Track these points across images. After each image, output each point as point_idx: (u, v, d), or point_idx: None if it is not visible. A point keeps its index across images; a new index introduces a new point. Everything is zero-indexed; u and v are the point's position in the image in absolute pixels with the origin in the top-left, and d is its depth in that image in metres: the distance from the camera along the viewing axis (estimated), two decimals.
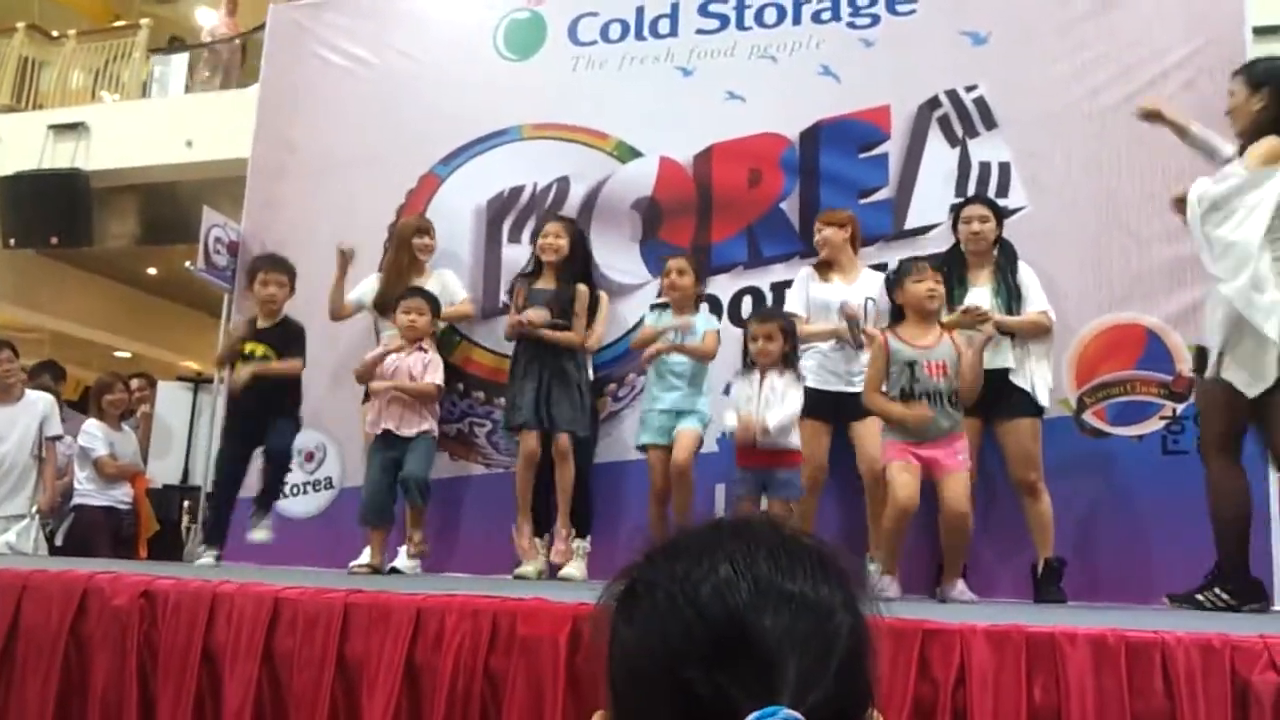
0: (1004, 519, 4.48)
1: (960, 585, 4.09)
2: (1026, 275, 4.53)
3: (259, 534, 5.02)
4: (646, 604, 0.76)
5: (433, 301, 5.04)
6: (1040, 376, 4.42)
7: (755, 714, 0.67)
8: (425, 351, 4.97)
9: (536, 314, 4.86)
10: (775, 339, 4.34)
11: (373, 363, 4.95)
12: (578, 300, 4.95)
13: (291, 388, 5.04)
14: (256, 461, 5.05)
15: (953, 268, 4.54)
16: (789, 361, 4.39)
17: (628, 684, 0.76)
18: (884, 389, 4.07)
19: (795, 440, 4.34)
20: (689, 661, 0.71)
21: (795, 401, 4.31)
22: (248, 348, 4.99)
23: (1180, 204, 3.78)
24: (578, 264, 5.08)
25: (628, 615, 0.77)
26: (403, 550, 4.96)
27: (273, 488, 5.09)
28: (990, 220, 4.56)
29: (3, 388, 5.87)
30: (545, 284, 5.02)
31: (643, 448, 4.78)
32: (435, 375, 4.95)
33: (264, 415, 4.96)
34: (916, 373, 4.01)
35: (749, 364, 4.44)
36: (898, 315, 4.18)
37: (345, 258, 5.43)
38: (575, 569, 4.74)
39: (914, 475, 3.95)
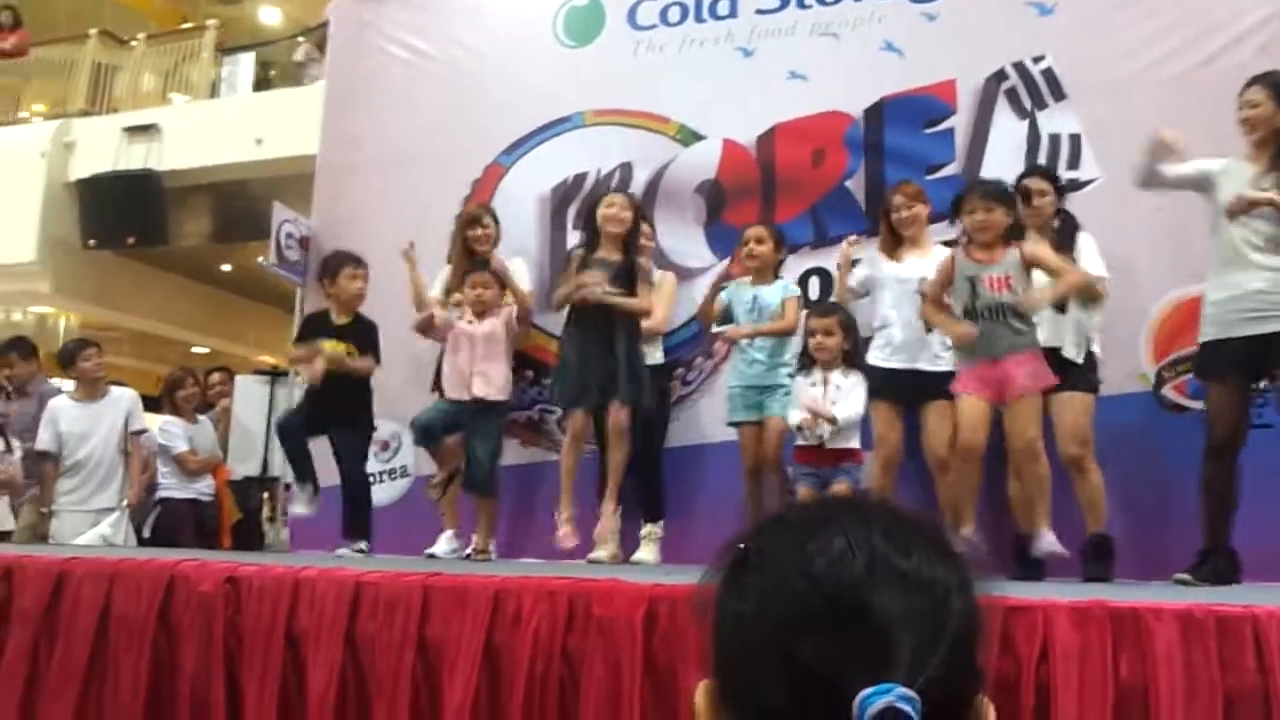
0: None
1: (1048, 536, 3.92)
2: (1085, 244, 4.39)
3: (298, 508, 5.12)
4: (758, 575, 0.76)
5: (498, 276, 5.01)
6: (1081, 345, 4.27)
7: (869, 690, 0.67)
8: (494, 316, 4.92)
9: (592, 276, 4.66)
10: (834, 333, 4.34)
11: (426, 320, 5.00)
12: (640, 272, 4.78)
13: (365, 390, 5.12)
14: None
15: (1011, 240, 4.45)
16: (849, 359, 4.36)
17: (736, 655, 0.76)
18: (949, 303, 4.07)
19: (856, 441, 4.34)
20: (801, 634, 0.71)
21: (860, 400, 4.29)
22: (328, 345, 5.05)
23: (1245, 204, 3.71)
24: (635, 245, 4.89)
25: (739, 585, 0.77)
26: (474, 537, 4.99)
27: (360, 513, 5.10)
28: (1049, 194, 4.45)
29: (89, 384, 6.02)
30: (606, 254, 4.79)
31: (733, 424, 4.75)
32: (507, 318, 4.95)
33: (337, 411, 5.03)
34: (977, 288, 3.98)
35: (808, 360, 4.41)
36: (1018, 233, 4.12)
37: (409, 256, 5.40)
38: (648, 553, 4.75)
39: (979, 410, 3.92)
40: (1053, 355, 4.19)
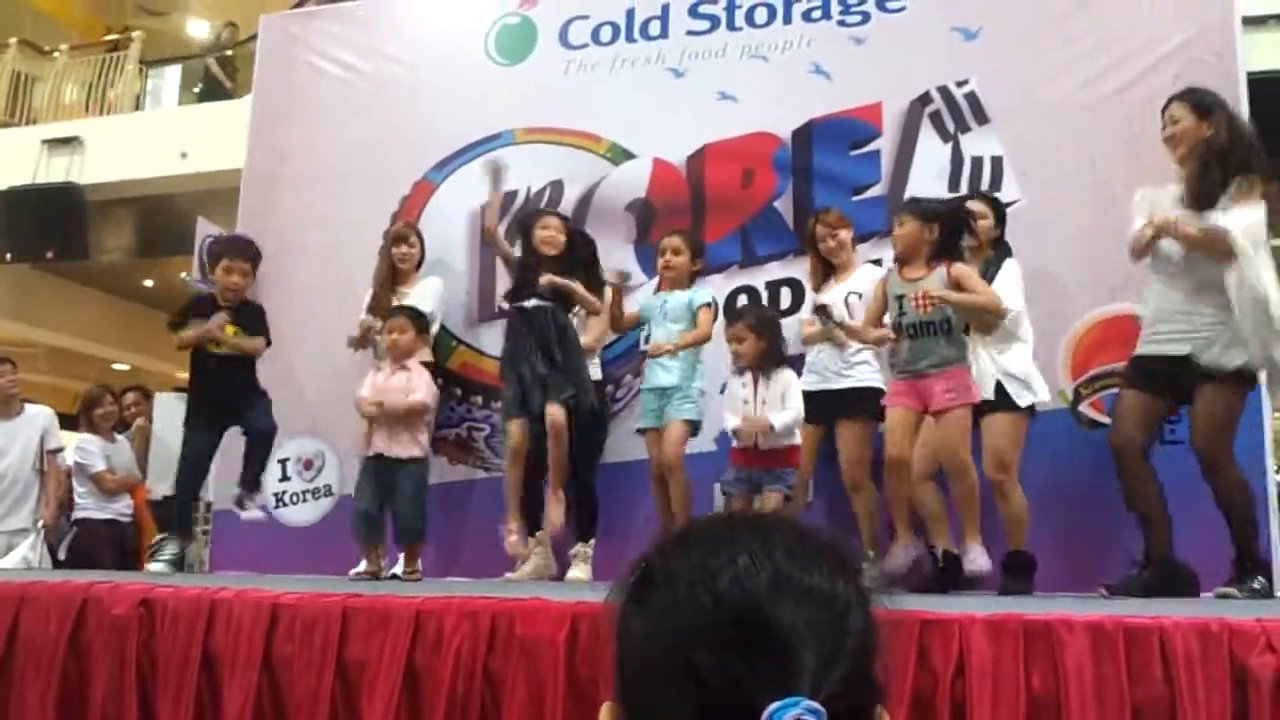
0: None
1: (974, 551, 3.96)
2: (1006, 270, 4.42)
3: (251, 513, 5.03)
4: (663, 592, 0.76)
5: (417, 318, 4.89)
6: (1017, 372, 4.28)
7: (777, 704, 0.67)
8: (409, 370, 4.77)
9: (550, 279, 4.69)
10: (745, 339, 4.38)
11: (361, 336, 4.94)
12: (577, 279, 4.77)
13: (253, 379, 5.09)
14: (232, 450, 5.08)
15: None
16: (771, 355, 4.38)
17: (640, 674, 0.76)
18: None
19: (796, 438, 4.37)
20: (706, 650, 0.71)
21: (798, 401, 4.33)
22: (220, 317, 4.98)
23: (1154, 233, 3.81)
24: (577, 262, 4.90)
25: (642, 604, 0.77)
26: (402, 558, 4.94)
27: (259, 463, 5.09)
28: (988, 218, 4.50)
29: (3, 402, 5.86)
30: (543, 275, 4.76)
31: (640, 431, 4.80)
32: (422, 393, 4.73)
33: (235, 398, 4.99)
34: (904, 305, 4.07)
35: (739, 366, 4.46)
36: (955, 252, 4.20)
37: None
38: (580, 571, 4.73)
39: (903, 421, 3.98)
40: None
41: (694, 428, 4.66)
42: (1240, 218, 3.70)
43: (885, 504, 4.30)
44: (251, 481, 5.08)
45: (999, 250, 4.52)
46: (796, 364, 4.64)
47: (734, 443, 4.41)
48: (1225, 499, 3.68)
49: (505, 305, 5.06)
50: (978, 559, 3.97)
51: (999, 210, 4.62)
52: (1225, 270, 3.69)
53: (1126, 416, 3.87)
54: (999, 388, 4.23)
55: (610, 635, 0.79)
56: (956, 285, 4.04)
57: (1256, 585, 3.61)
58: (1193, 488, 3.79)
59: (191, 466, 5.01)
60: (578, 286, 4.74)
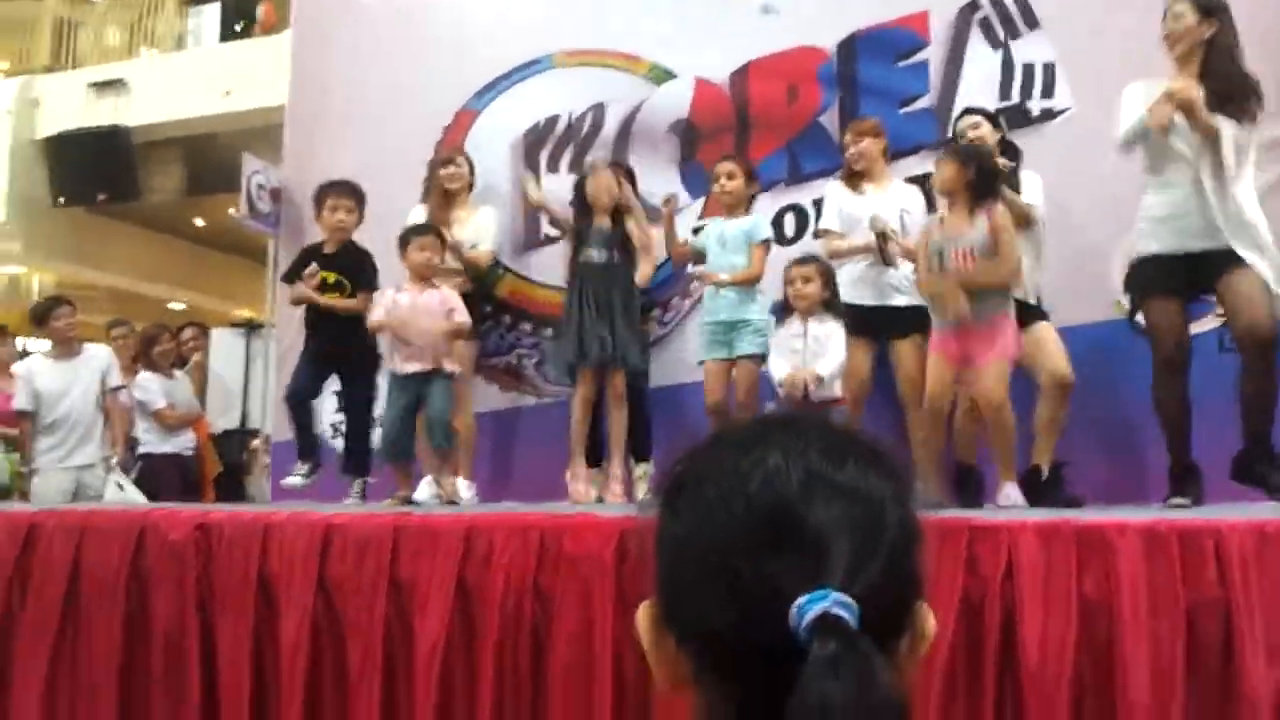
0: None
1: (1008, 489, 3.89)
2: (1027, 180, 4.37)
3: (292, 479, 4.97)
4: (694, 494, 0.76)
5: (441, 239, 4.83)
6: (1030, 282, 4.23)
7: (805, 597, 0.67)
8: (438, 289, 4.69)
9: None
10: (813, 280, 4.33)
11: (376, 328, 4.68)
12: (635, 239, 4.78)
13: (361, 326, 5.02)
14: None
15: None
16: (829, 306, 4.35)
17: (676, 574, 0.76)
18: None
19: (838, 388, 4.34)
20: (738, 549, 0.71)
21: (840, 349, 4.30)
22: (315, 268, 4.95)
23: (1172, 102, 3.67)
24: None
25: (675, 506, 0.77)
26: (460, 481, 4.94)
27: (364, 436, 5.04)
28: (981, 126, 4.44)
29: (64, 343, 5.96)
30: (600, 223, 4.77)
31: (702, 362, 4.73)
32: (461, 315, 4.67)
33: (340, 348, 4.96)
34: (945, 260, 3.97)
35: (788, 308, 4.39)
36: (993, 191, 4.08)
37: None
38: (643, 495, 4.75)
39: (947, 369, 3.91)
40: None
41: (762, 359, 4.58)
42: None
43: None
44: (359, 462, 5.01)
45: (1009, 155, 4.41)
46: None
47: (780, 392, 4.36)
48: (1262, 385, 3.53)
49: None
50: (1012, 493, 3.87)
51: (991, 117, 4.53)
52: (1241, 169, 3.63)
53: (1168, 331, 3.72)
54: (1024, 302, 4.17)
55: (647, 541, 0.79)
56: (994, 235, 3.92)
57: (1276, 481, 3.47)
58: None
59: (298, 389, 5.03)
60: (636, 206, 4.75)
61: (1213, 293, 3.75)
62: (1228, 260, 3.61)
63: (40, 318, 6.00)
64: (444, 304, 4.64)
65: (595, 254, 4.71)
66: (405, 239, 4.72)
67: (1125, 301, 4.57)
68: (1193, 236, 3.68)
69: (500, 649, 2.72)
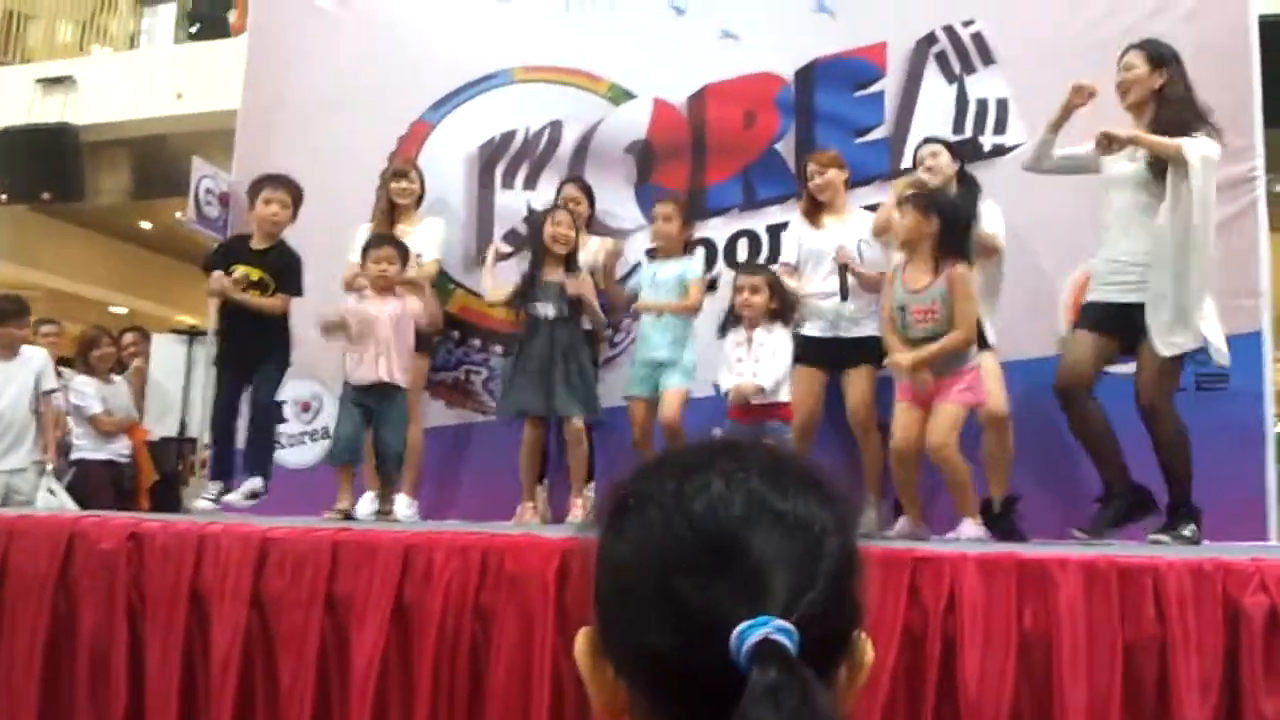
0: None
1: (966, 524, 3.93)
2: (987, 210, 4.43)
3: (202, 502, 4.85)
4: (638, 517, 0.76)
5: (401, 247, 4.80)
6: (983, 308, 4.28)
7: (746, 623, 0.67)
8: (399, 297, 4.70)
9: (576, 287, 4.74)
10: (760, 291, 4.35)
11: (335, 325, 4.61)
12: (586, 290, 4.81)
13: (283, 323, 4.96)
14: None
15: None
16: (777, 316, 4.36)
17: (616, 597, 0.76)
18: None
19: (785, 394, 4.34)
20: (680, 573, 0.71)
21: (786, 356, 4.31)
22: (240, 269, 4.85)
23: (1111, 139, 3.79)
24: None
25: (618, 528, 0.77)
26: (400, 498, 4.92)
27: (266, 445, 4.99)
28: (941, 154, 4.49)
29: (6, 345, 5.81)
30: (551, 273, 4.81)
31: (628, 398, 4.81)
32: (420, 314, 4.76)
33: (254, 351, 4.88)
34: (906, 318, 4.00)
35: (735, 318, 4.41)
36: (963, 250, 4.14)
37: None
38: (582, 514, 4.73)
39: (912, 416, 3.93)
40: None
41: (687, 396, 4.67)
42: (1198, 145, 3.75)
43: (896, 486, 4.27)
44: (259, 463, 4.92)
45: (966, 185, 4.46)
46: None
47: (726, 402, 4.38)
48: (1165, 448, 3.73)
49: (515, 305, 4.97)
50: (969, 529, 3.90)
51: (951, 148, 4.58)
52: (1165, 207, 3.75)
53: (1077, 357, 3.88)
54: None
55: (588, 563, 0.79)
56: (952, 300, 3.94)
57: (1187, 533, 3.63)
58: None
59: (221, 412, 4.93)
60: (592, 300, 4.80)
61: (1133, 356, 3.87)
62: (1143, 322, 3.76)
63: (4, 315, 5.83)
64: (402, 308, 4.65)
65: (545, 309, 4.75)
66: (365, 250, 4.74)
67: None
68: (1123, 289, 3.83)
69: (438, 668, 2.68)
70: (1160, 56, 3.96)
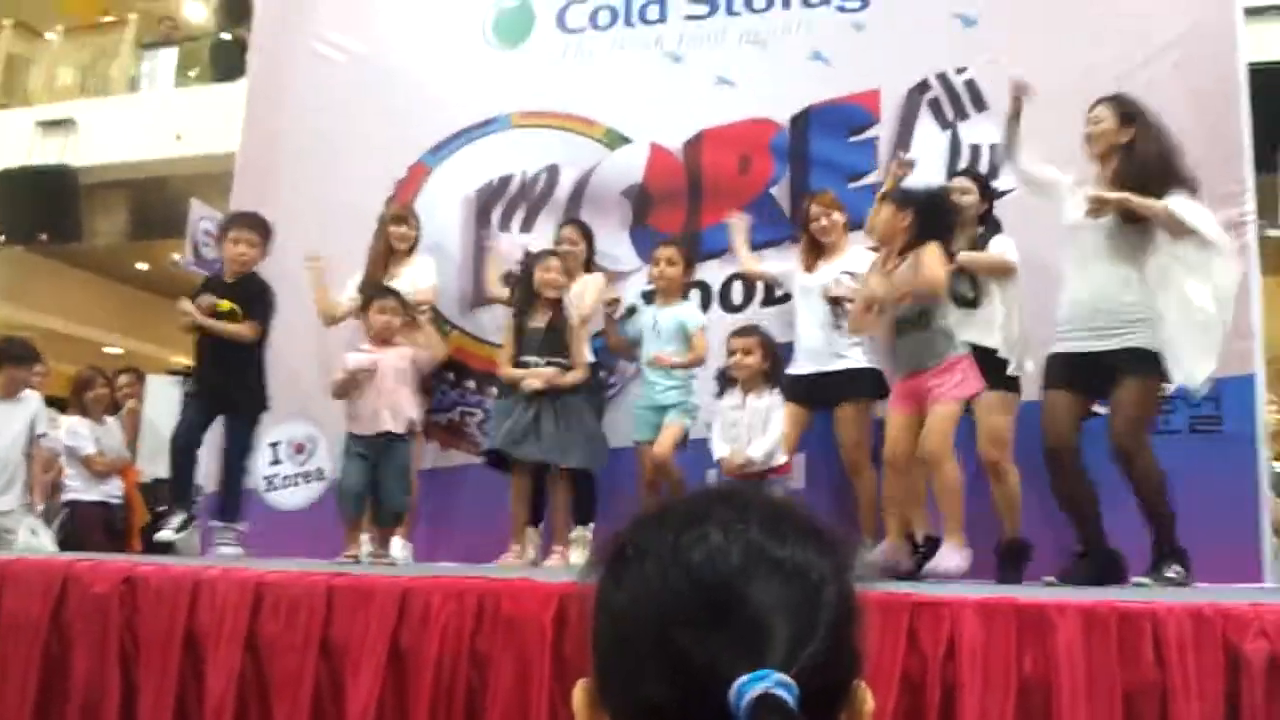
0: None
1: (947, 552, 3.88)
2: (998, 242, 4.46)
3: (165, 534, 4.85)
4: (636, 568, 0.76)
5: (401, 300, 4.85)
6: (1009, 341, 4.30)
7: (745, 677, 0.67)
8: (398, 346, 4.75)
9: (536, 377, 4.71)
10: (753, 353, 4.37)
11: (348, 380, 4.64)
12: (575, 337, 4.83)
13: (257, 361, 4.97)
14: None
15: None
16: (769, 377, 4.38)
17: (614, 648, 0.76)
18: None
19: (780, 458, 4.37)
20: (679, 625, 0.71)
21: (778, 424, 4.33)
22: (208, 297, 4.90)
23: (1102, 203, 3.84)
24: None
25: (617, 579, 0.77)
26: (395, 539, 4.90)
27: (236, 487, 4.99)
28: (972, 193, 4.51)
29: (9, 387, 5.80)
30: (538, 321, 4.83)
31: (636, 443, 4.84)
32: (422, 358, 4.83)
33: (225, 388, 4.90)
34: (884, 305, 4.06)
35: (729, 379, 4.44)
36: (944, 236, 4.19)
37: (317, 267, 5.33)
38: (579, 557, 4.72)
39: (898, 424, 3.97)
40: (981, 353, 4.23)
41: (685, 434, 4.70)
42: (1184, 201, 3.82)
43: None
44: (229, 508, 4.95)
45: (989, 226, 4.50)
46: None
47: (720, 468, 4.41)
48: (1141, 489, 3.74)
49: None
50: (949, 558, 3.87)
51: (983, 185, 4.59)
52: (1146, 258, 3.82)
53: (1059, 420, 3.88)
54: (998, 362, 4.24)
55: (587, 612, 0.79)
56: (915, 259, 3.99)
57: (1172, 574, 3.62)
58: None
59: (179, 441, 4.92)
60: (559, 377, 4.74)
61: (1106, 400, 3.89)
62: (1116, 367, 3.79)
63: (15, 360, 5.82)
64: (402, 360, 4.69)
65: (533, 361, 4.76)
66: (365, 301, 4.77)
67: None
68: (1091, 337, 3.85)
69: (434, 713, 2.66)
70: (1128, 112, 4.00)
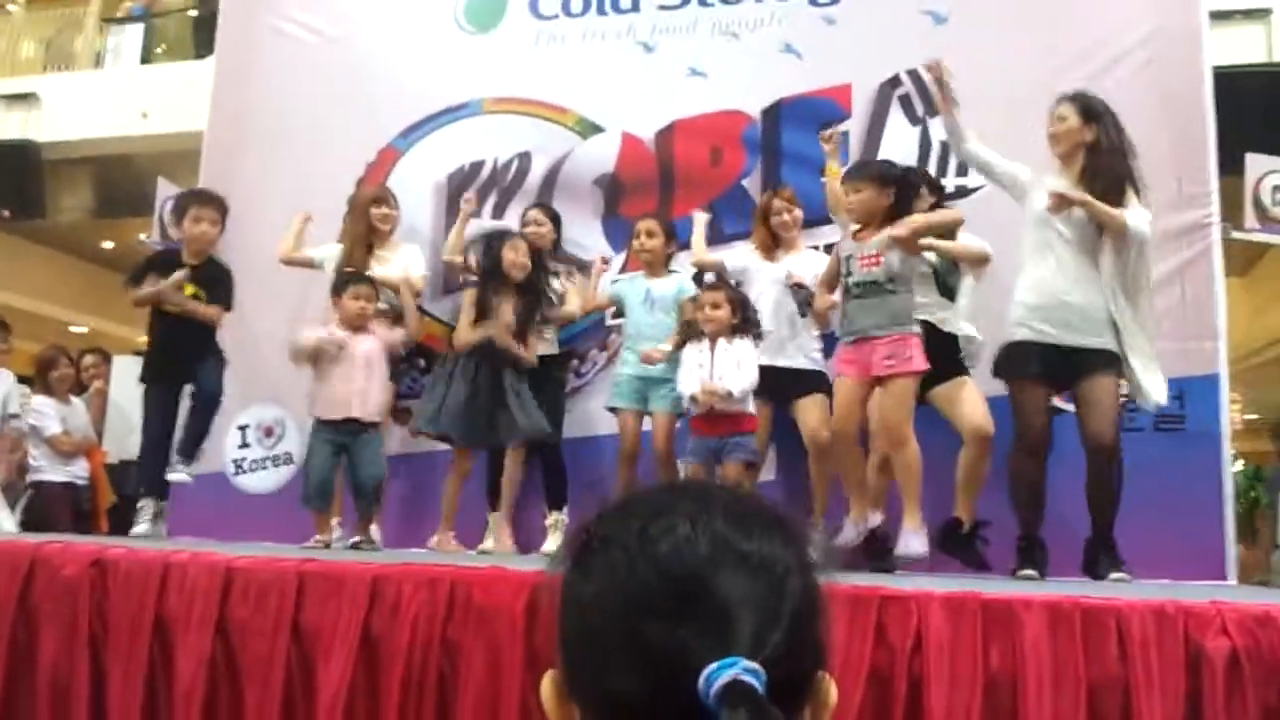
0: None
1: (908, 537, 3.90)
2: (966, 236, 4.49)
3: (177, 475, 4.93)
4: (603, 559, 0.77)
5: (375, 287, 4.84)
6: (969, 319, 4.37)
7: (715, 664, 0.68)
8: (370, 332, 4.72)
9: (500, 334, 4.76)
10: (722, 307, 4.34)
11: (314, 348, 4.58)
12: (541, 312, 4.89)
13: (211, 341, 5.03)
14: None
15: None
16: (738, 330, 4.37)
17: (581, 639, 0.77)
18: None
19: (750, 405, 4.34)
20: (646, 615, 0.72)
21: (752, 369, 4.28)
22: (179, 274, 4.92)
23: (1064, 201, 3.90)
24: (537, 295, 5.00)
25: (584, 570, 0.78)
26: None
27: (200, 430, 5.02)
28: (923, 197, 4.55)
29: None
30: (505, 301, 4.87)
31: (613, 410, 4.82)
32: (396, 333, 4.85)
33: (190, 357, 4.92)
34: (851, 265, 4.10)
35: (697, 334, 4.41)
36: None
37: (303, 217, 5.39)
38: (555, 543, 4.75)
39: (849, 391, 4.02)
40: (949, 340, 4.28)
41: (678, 417, 4.68)
42: (1138, 215, 3.89)
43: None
44: (188, 447, 4.99)
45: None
46: None
47: (692, 410, 4.37)
48: (1111, 484, 3.79)
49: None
50: (911, 543, 3.91)
51: (934, 184, 4.66)
52: (1101, 258, 3.90)
53: (1039, 411, 3.91)
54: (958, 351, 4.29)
55: (554, 603, 0.80)
56: (896, 238, 4.03)
57: (1124, 573, 3.69)
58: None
59: (153, 427, 4.95)
60: (526, 354, 4.83)
61: (1071, 392, 3.93)
62: (1088, 362, 3.84)
63: None
64: (372, 345, 4.66)
65: (494, 334, 4.78)
66: (340, 286, 4.73)
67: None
68: (1061, 328, 3.89)
69: (404, 700, 2.68)
70: (1091, 110, 4.05)
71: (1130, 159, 4.01)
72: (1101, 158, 3.98)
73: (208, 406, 5.02)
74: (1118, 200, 3.91)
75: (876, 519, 4.16)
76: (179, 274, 4.89)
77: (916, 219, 4.11)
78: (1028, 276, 4.04)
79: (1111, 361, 3.84)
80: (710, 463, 4.27)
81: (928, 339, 4.08)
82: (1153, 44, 4.93)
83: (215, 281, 5.00)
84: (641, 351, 4.70)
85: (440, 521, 4.87)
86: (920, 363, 3.97)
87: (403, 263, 5.23)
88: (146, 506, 4.88)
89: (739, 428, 4.30)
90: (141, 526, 4.85)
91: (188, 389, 5.05)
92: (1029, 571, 3.72)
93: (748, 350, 4.33)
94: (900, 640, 2.20)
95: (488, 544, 4.79)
